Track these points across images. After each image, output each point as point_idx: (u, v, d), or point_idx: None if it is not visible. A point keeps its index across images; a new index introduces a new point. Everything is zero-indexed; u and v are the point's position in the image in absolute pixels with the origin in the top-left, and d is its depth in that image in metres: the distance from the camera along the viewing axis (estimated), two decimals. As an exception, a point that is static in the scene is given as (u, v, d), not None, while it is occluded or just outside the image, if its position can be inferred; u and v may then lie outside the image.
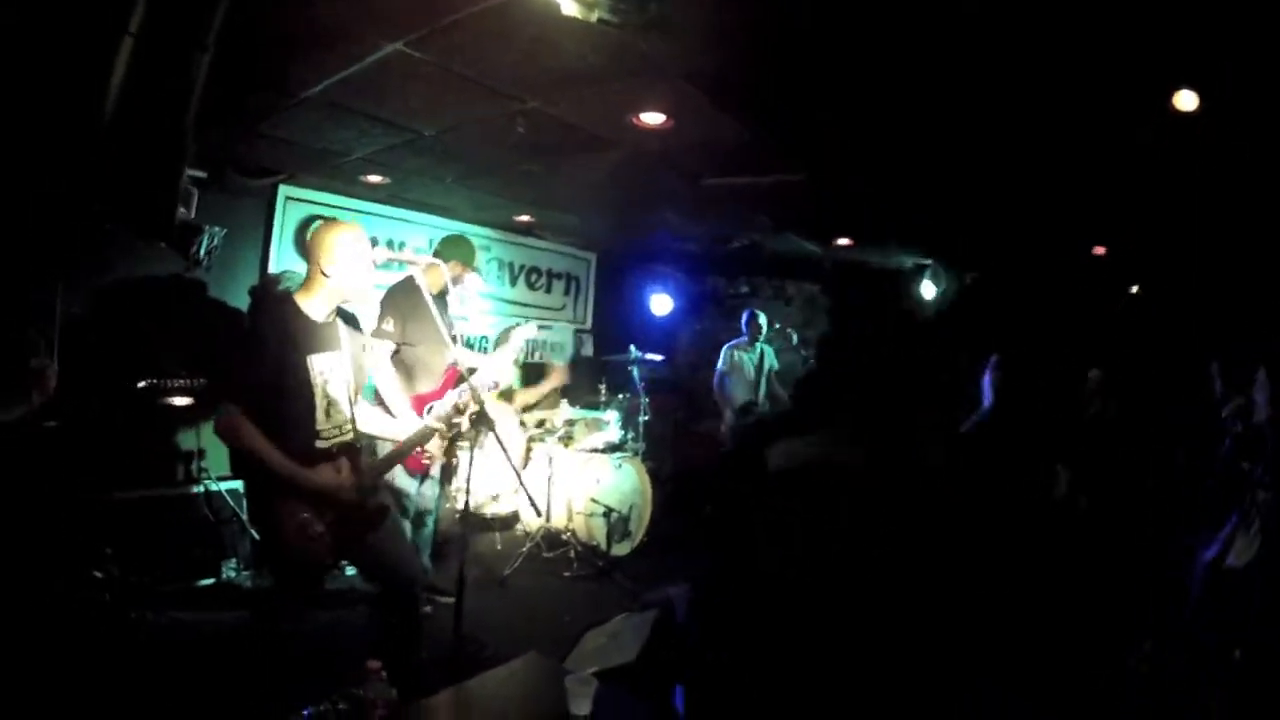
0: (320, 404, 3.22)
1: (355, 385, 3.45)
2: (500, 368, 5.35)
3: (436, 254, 4.81)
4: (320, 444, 3.22)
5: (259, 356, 3.09)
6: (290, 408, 3.13)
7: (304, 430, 3.17)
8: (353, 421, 3.40)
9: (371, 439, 3.75)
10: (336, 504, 3.21)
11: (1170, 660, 3.10)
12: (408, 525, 4.75)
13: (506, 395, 6.90)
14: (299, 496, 3.10)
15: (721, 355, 8.43)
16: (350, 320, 3.50)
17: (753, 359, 8.34)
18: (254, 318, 3.23)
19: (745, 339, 8.40)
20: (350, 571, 5.08)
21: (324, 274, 3.20)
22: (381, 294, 4.73)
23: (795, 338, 9.66)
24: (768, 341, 8.44)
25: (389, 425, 3.73)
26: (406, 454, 3.71)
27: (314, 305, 3.24)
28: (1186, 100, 3.56)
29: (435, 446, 3.90)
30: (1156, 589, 3.77)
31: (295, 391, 3.14)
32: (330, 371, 3.26)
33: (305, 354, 3.17)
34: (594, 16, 2.91)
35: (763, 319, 8.38)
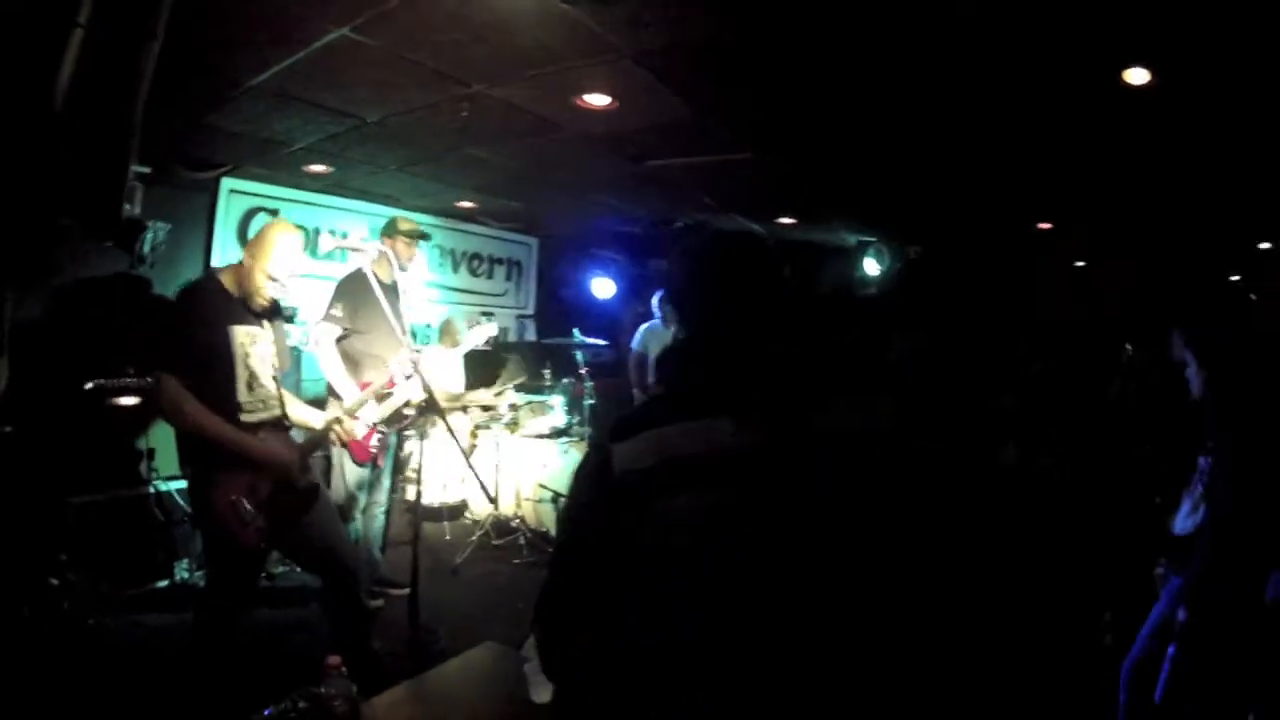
0: (241, 375, 3.23)
1: (279, 365, 3.47)
2: (448, 359, 5.33)
3: (382, 237, 4.79)
4: (243, 417, 3.22)
5: (180, 325, 3.17)
6: (211, 378, 3.14)
7: (226, 402, 3.17)
8: (279, 401, 3.42)
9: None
10: (268, 475, 3.22)
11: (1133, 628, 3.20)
12: (359, 517, 4.72)
13: (456, 400, 6.83)
14: (229, 470, 3.12)
15: (636, 336, 8.10)
16: (274, 309, 3.52)
17: (655, 340, 7.91)
18: (178, 294, 3.24)
19: (659, 320, 7.99)
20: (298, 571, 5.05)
21: (257, 266, 3.27)
22: (331, 285, 4.74)
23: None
24: None
25: (306, 413, 3.73)
26: (332, 432, 3.72)
27: (234, 284, 3.31)
28: (1137, 75, 3.65)
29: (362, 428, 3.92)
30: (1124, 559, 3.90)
31: (215, 362, 3.16)
32: (252, 344, 3.29)
33: (226, 324, 3.21)
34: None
35: None
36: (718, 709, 1.47)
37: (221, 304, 3.24)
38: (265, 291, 3.32)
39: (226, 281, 3.30)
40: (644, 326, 8.09)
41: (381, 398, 4.08)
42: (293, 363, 4.52)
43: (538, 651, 1.65)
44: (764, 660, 1.49)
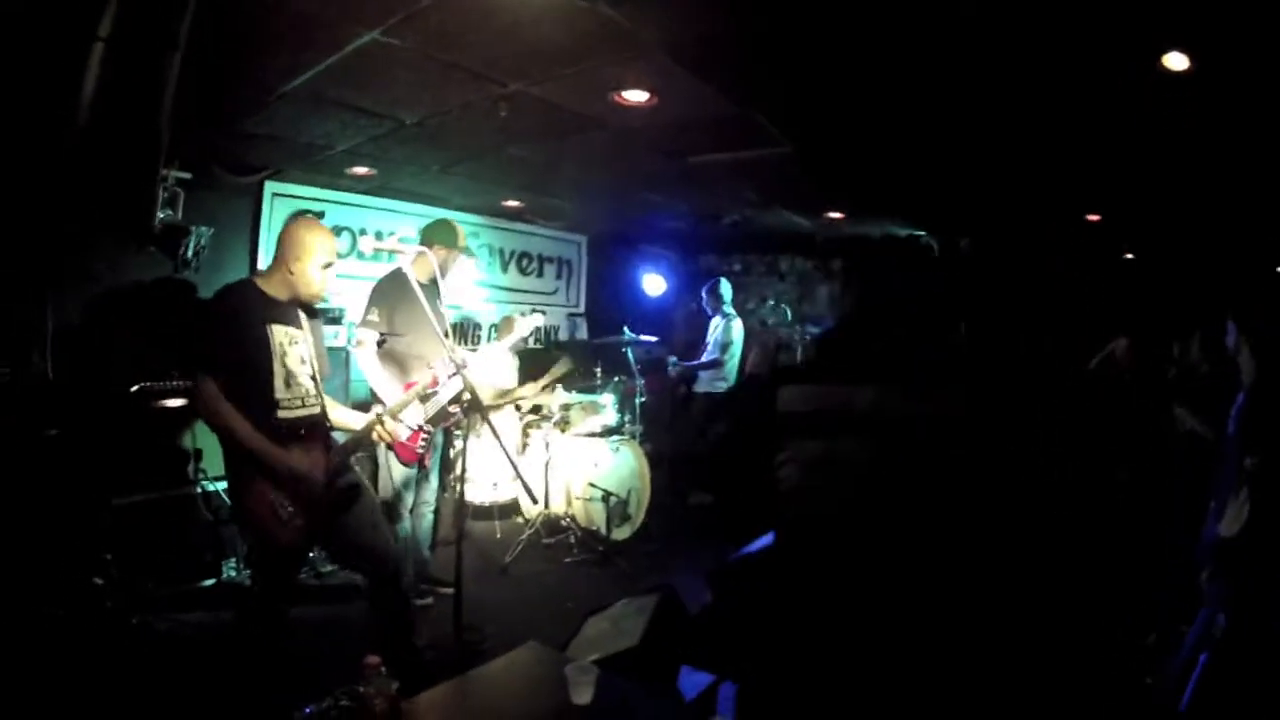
0: (279, 372, 3.25)
1: (319, 368, 3.49)
2: (500, 356, 5.34)
3: (423, 241, 4.78)
4: (281, 414, 3.25)
5: (219, 325, 3.20)
6: (249, 376, 3.17)
7: (263, 399, 3.20)
8: (318, 399, 3.43)
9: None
10: (305, 488, 3.24)
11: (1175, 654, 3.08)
12: (407, 516, 4.74)
13: (505, 395, 6.85)
14: (267, 477, 3.14)
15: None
16: (311, 311, 3.55)
17: (710, 331, 8.28)
18: (215, 296, 3.30)
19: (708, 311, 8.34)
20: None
21: (288, 267, 3.30)
22: (370, 286, 4.75)
23: (789, 313, 9.66)
24: (732, 314, 8.27)
25: (345, 415, 3.75)
26: (372, 434, 3.72)
27: (272, 289, 3.34)
28: (1176, 61, 3.53)
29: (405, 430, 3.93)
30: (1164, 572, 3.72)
31: (253, 358, 3.19)
32: (290, 344, 3.32)
33: (264, 320, 3.24)
34: (575, -8, 2.89)
35: (724, 290, 8.26)
36: None
37: (259, 303, 3.28)
38: (321, 285, 3.38)
39: (265, 285, 3.33)
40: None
41: (425, 399, 4.08)
42: (340, 363, 4.55)
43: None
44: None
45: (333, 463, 3.40)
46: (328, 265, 3.36)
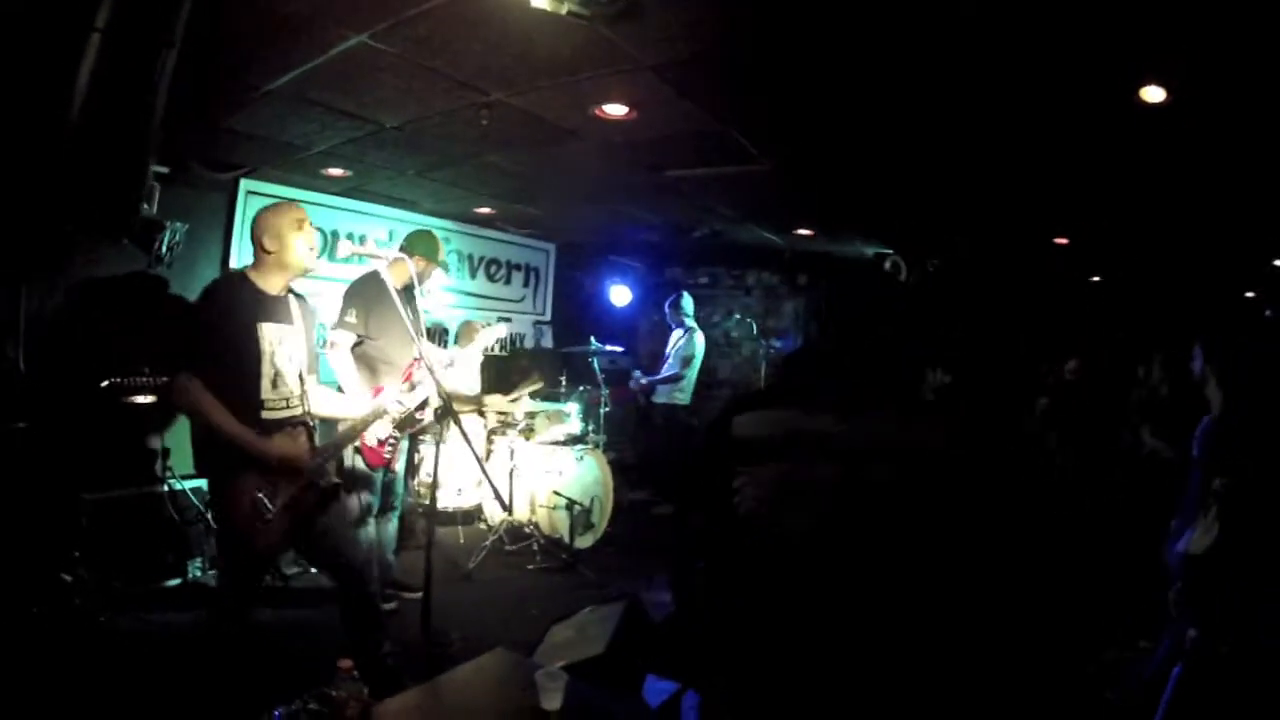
0: (267, 373, 3.25)
1: (307, 363, 3.48)
2: (464, 363, 5.36)
3: (403, 248, 4.78)
4: (265, 414, 3.24)
5: (207, 323, 3.18)
6: (235, 375, 3.16)
7: (249, 399, 3.19)
8: (302, 397, 3.43)
9: (323, 421, 3.75)
10: (289, 474, 3.24)
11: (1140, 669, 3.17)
12: (372, 520, 4.73)
13: (471, 402, 6.85)
14: (251, 470, 3.13)
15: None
16: (304, 301, 3.55)
17: (670, 343, 8.43)
18: (204, 292, 3.28)
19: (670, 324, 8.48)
20: (313, 571, 5.07)
21: (266, 250, 3.31)
22: (345, 288, 4.73)
23: (755, 327, 9.74)
24: (694, 327, 8.40)
25: (341, 404, 3.77)
26: (358, 434, 3.77)
27: (264, 280, 3.33)
28: (1153, 94, 3.63)
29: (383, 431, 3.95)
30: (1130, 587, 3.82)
31: (241, 358, 3.18)
32: (279, 343, 3.31)
33: (255, 321, 3.23)
34: (564, 9, 2.92)
35: (685, 304, 8.39)
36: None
37: (251, 300, 3.27)
38: (309, 257, 3.40)
39: (257, 278, 3.33)
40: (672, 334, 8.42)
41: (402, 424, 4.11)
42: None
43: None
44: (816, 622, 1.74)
45: (314, 463, 3.39)
46: (302, 227, 3.39)
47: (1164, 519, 3.34)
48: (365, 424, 3.73)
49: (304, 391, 3.45)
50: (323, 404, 3.63)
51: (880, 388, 1.90)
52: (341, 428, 3.71)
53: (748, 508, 1.82)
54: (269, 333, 3.27)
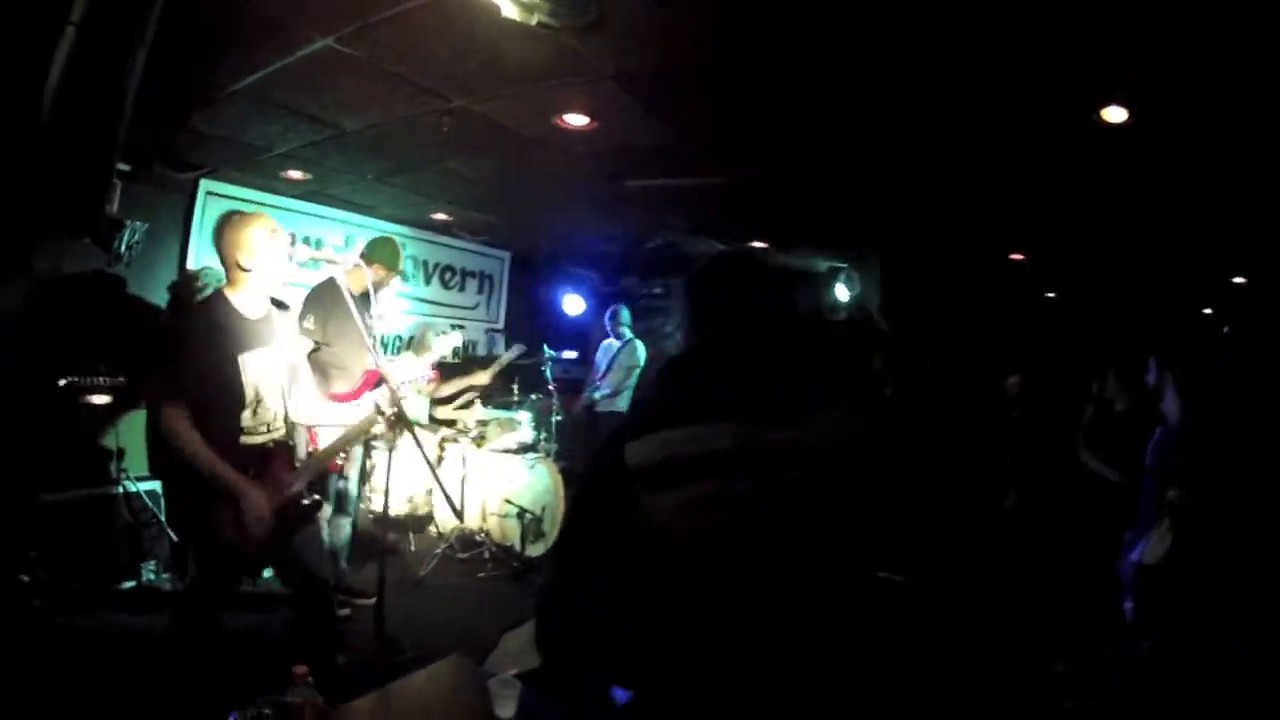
0: (249, 401, 3.22)
1: (288, 382, 3.46)
2: (418, 372, 5.35)
3: (363, 255, 4.77)
4: (244, 439, 3.21)
5: (188, 356, 3.10)
6: (216, 404, 3.13)
7: (229, 427, 3.16)
8: (284, 419, 3.40)
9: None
10: (267, 493, 3.18)
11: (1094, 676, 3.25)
12: (325, 527, 4.70)
13: (463, 381, 6.86)
14: (229, 498, 3.08)
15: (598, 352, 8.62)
16: (284, 309, 3.53)
17: (604, 357, 8.49)
18: (183, 315, 3.24)
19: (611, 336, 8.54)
20: (268, 574, 5.01)
21: (242, 268, 3.23)
22: (304, 294, 4.71)
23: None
24: (633, 337, 8.45)
25: (335, 414, 3.77)
26: (352, 442, 3.75)
27: (245, 300, 3.27)
28: (1115, 114, 3.74)
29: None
30: (1084, 596, 3.89)
31: (223, 389, 3.14)
32: (262, 370, 3.27)
33: (236, 352, 3.18)
34: (534, 19, 2.94)
35: (624, 315, 8.44)
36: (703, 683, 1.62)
37: (235, 328, 3.21)
38: (285, 267, 3.34)
39: (236, 299, 3.27)
40: (602, 344, 8.49)
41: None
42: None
43: (537, 623, 1.76)
44: (736, 645, 1.61)
45: (293, 483, 3.34)
46: (274, 236, 3.29)
47: (1113, 534, 3.44)
48: (360, 433, 3.68)
49: (287, 412, 3.42)
50: (310, 413, 3.63)
51: (783, 388, 1.74)
52: (326, 443, 3.67)
53: (659, 535, 1.68)
54: (251, 362, 3.22)
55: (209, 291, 3.44)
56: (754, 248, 8.29)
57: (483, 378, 6.98)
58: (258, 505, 3.13)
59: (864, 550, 1.68)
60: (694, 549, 1.61)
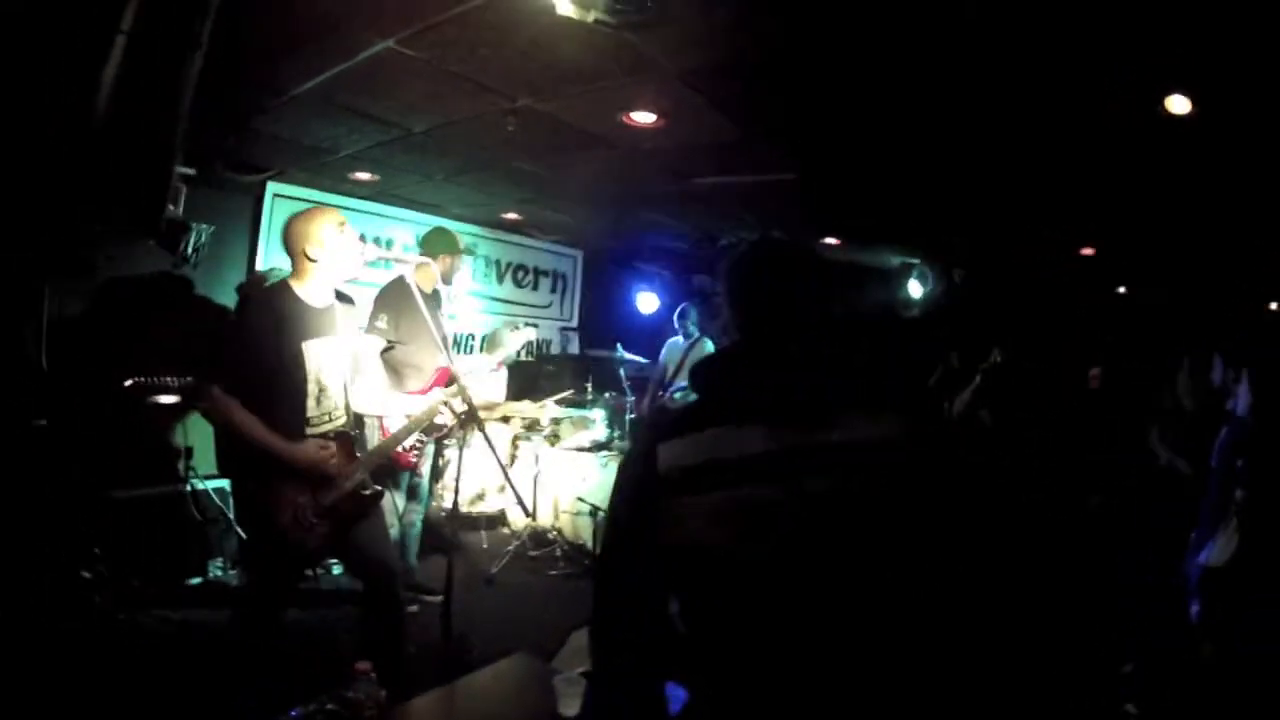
0: (312, 391, 3.24)
1: (351, 372, 3.47)
2: (491, 368, 5.37)
3: (424, 253, 4.79)
4: (310, 430, 3.23)
5: (252, 342, 3.12)
6: (280, 393, 3.15)
7: (294, 416, 3.18)
8: (345, 409, 3.41)
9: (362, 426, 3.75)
10: (329, 480, 3.22)
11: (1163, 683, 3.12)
12: (396, 523, 4.74)
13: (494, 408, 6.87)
14: (289, 476, 3.12)
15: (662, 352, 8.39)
16: (348, 302, 3.51)
17: (673, 355, 8.24)
18: (248, 305, 3.27)
19: (680, 336, 8.31)
20: (336, 571, 5.08)
21: (309, 259, 3.24)
22: (375, 293, 4.75)
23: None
24: (701, 337, 8.14)
25: (397, 402, 3.78)
26: (412, 433, 3.75)
27: (310, 291, 3.28)
28: (1179, 104, 3.59)
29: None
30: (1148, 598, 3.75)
31: (287, 377, 3.16)
32: (325, 358, 3.28)
33: (300, 339, 3.20)
34: (590, 17, 2.92)
35: (692, 313, 8.20)
36: (753, 695, 1.56)
37: (296, 317, 3.22)
38: (354, 258, 3.33)
39: (301, 289, 3.28)
40: (669, 342, 8.27)
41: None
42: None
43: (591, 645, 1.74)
44: (787, 651, 1.56)
45: (357, 470, 3.36)
46: (343, 229, 3.29)
47: (1181, 532, 3.30)
48: (419, 424, 3.71)
49: (348, 402, 3.44)
50: (375, 403, 3.66)
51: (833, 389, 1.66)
52: (387, 433, 3.69)
53: (691, 540, 1.59)
54: (314, 350, 3.24)
55: (274, 281, 3.47)
56: (821, 242, 8.16)
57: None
58: (310, 459, 3.16)
59: (895, 560, 1.58)
60: (719, 556, 1.57)
